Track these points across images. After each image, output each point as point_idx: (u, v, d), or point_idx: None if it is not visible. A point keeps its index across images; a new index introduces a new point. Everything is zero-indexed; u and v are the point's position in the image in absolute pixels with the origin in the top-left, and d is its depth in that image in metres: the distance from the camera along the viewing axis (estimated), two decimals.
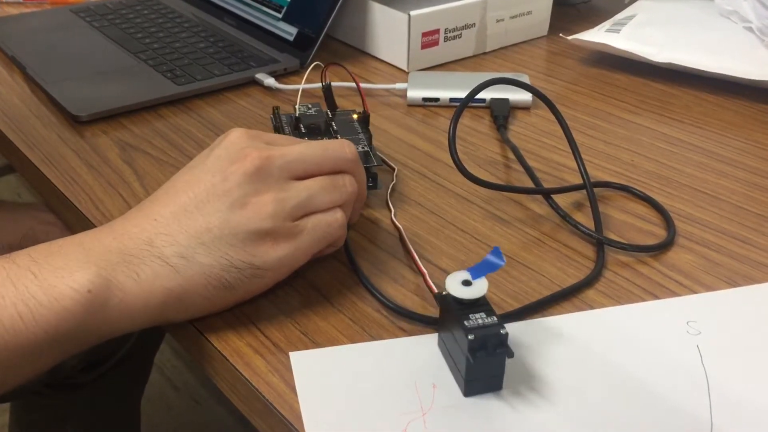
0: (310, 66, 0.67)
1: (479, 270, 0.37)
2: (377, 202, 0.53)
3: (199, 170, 0.41)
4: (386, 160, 0.57)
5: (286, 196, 0.40)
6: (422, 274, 0.45)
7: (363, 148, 0.53)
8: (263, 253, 0.40)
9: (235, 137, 0.42)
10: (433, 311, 0.42)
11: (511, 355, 0.36)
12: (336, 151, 0.44)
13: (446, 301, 0.38)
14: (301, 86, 0.58)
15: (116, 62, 0.73)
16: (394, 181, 0.55)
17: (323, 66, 0.56)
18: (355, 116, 0.56)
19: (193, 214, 0.39)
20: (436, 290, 0.43)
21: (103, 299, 0.36)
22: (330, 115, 0.56)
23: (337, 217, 0.42)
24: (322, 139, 0.53)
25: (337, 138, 0.53)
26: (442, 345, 0.40)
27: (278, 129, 0.56)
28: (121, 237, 0.39)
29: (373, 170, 0.52)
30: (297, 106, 0.56)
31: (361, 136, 0.54)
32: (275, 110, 0.58)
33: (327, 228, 0.42)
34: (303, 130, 0.55)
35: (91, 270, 0.36)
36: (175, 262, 0.38)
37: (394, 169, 0.57)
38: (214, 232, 0.39)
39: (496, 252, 0.37)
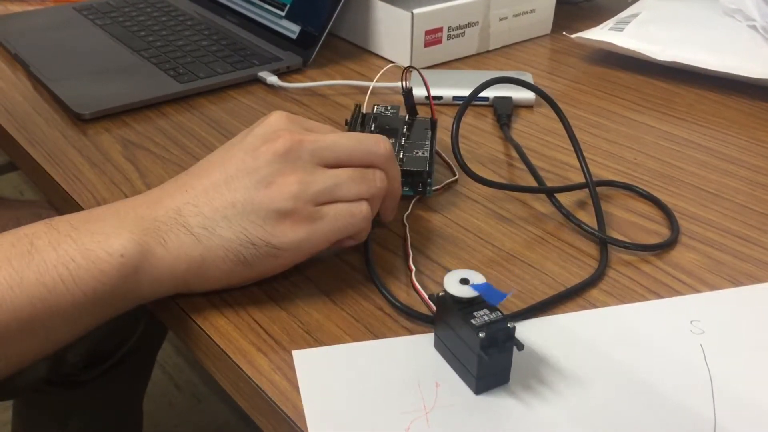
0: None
1: (488, 294, 0.37)
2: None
3: (235, 148, 0.42)
4: (451, 164, 0.56)
5: (311, 180, 0.41)
6: (410, 271, 0.45)
7: (424, 153, 0.52)
8: (281, 233, 0.40)
9: (274, 119, 0.43)
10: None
11: (521, 347, 0.36)
12: (369, 144, 0.44)
13: (445, 301, 0.38)
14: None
15: (119, 60, 0.73)
16: (439, 186, 0.54)
17: (404, 69, 0.54)
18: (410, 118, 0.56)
19: (221, 188, 0.41)
20: (423, 291, 0.43)
21: (135, 264, 0.38)
22: (408, 119, 0.55)
23: (362, 209, 0.42)
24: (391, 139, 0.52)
25: (406, 139, 0.53)
26: (440, 344, 0.39)
27: (352, 125, 0.55)
28: (154, 205, 0.41)
29: (426, 176, 0.51)
30: (375, 106, 0.56)
31: (427, 142, 0.54)
32: (357, 108, 0.56)
33: (350, 218, 0.42)
34: (374, 129, 0.54)
35: (125, 236, 0.38)
36: (197, 232, 0.40)
37: (455, 175, 0.55)
38: (237, 208, 0.40)
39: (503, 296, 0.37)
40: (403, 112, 0.57)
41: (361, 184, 0.43)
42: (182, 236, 0.39)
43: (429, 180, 0.52)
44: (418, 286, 0.44)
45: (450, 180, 0.55)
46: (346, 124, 0.56)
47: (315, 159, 0.42)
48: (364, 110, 0.56)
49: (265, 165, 0.41)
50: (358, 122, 0.55)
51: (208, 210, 0.40)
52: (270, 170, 0.40)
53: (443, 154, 0.58)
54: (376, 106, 0.56)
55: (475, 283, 0.38)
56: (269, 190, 0.40)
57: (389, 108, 0.57)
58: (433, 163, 0.52)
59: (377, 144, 0.44)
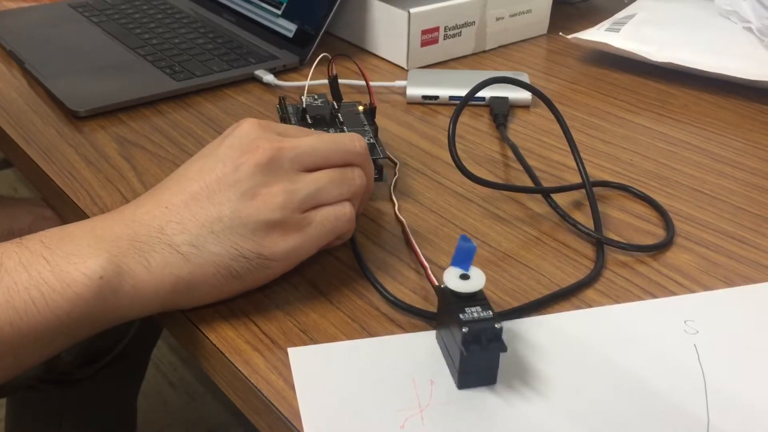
0: (314, 61, 0.67)
1: (459, 260, 0.38)
2: (378, 196, 0.53)
3: (210, 159, 0.41)
4: (389, 154, 0.57)
5: (295, 188, 0.41)
6: (424, 268, 0.45)
7: (369, 140, 0.53)
8: (272, 244, 0.40)
9: (248, 127, 0.42)
10: (432, 308, 0.42)
11: (504, 349, 0.36)
12: (346, 144, 0.44)
13: (444, 295, 0.38)
14: (306, 83, 0.57)
15: (115, 57, 0.73)
16: (397, 176, 0.55)
17: (330, 58, 0.56)
18: (360, 108, 0.57)
19: (204, 203, 0.40)
20: (437, 283, 0.43)
21: (115, 286, 0.37)
22: (336, 107, 0.56)
23: (346, 210, 0.43)
24: (328, 130, 0.53)
25: (343, 129, 0.53)
26: (440, 339, 0.40)
27: (285, 119, 0.56)
28: (132, 224, 0.39)
29: (379, 162, 0.52)
30: (303, 97, 0.56)
31: (367, 128, 0.54)
32: (282, 100, 0.58)
33: (335, 221, 0.42)
34: (309, 121, 0.54)
35: (103, 257, 0.37)
36: (185, 251, 0.39)
37: (396, 164, 0.57)
38: (224, 222, 0.39)
39: (463, 238, 0.38)
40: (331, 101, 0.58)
41: (341, 185, 0.43)
42: (167, 256, 0.38)
43: (381, 166, 0.53)
44: (432, 278, 0.43)
45: (397, 166, 0.56)
46: (281, 120, 0.56)
47: (295, 166, 0.41)
48: (303, 104, 0.56)
49: (248, 177, 0.40)
50: (290, 114, 0.56)
51: (194, 226, 0.39)
52: (253, 182, 0.40)
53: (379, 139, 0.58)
54: (303, 98, 0.56)
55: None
56: (255, 201, 0.40)
57: (316, 98, 0.57)
58: (383, 148, 0.53)
59: (353, 143, 0.44)
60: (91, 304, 0.36)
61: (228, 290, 0.41)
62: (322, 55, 0.57)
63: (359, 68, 0.58)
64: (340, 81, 0.69)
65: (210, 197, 0.40)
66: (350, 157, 0.44)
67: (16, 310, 0.35)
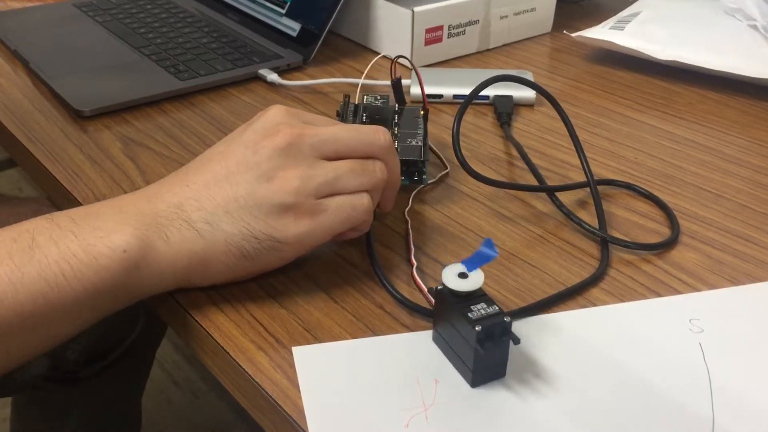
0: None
1: (473, 262, 0.38)
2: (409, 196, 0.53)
3: (234, 143, 0.42)
4: (442, 157, 0.57)
5: (312, 174, 0.41)
6: (411, 266, 0.45)
7: (417, 142, 0.53)
8: (284, 227, 0.40)
9: (274, 113, 0.43)
10: None
11: (517, 341, 0.36)
12: (369, 136, 0.44)
13: (443, 295, 0.38)
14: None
15: (119, 57, 0.73)
16: (434, 180, 0.55)
17: (392, 59, 0.56)
18: (422, 112, 0.56)
19: (223, 183, 0.41)
20: (423, 286, 0.43)
21: (137, 259, 0.38)
22: (397, 109, 0.56)
23: (363, 201, 0.43)
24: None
25: (394, 129, 0.54)
26: (439, 339, 0.40)
27: (343, 116, 0.56)
28: (155, 200, 0.41)
29: (422, 164, 0.52)
30: (364, 96, 0.56)
31: (419, 130, 0.54)
32: (346, 98, 0.57)
33: (351, 210, 0.42)
34: (365, 120, 0.54)
35: (127, 231, 0.38)
36: (200, 227, 0.40)
37: (447, 168, 0.56)
38: (239, 202, 0.40)
39: (488, 243, 0.38)
40: (392, 103, 0.58)
41: (361, 175, 0.43)
42: (184, 231, 0.39)
43: (424, 168, 0.52)
44: (419, 280, 0.44)
45: (443, 173, 0.55)
46: (337, 114, 0.56)
47: (315, 152, 0.42)
48: (355, 101, 0.56)
49: (266, 159, 0.41)
50: (349, 112, 0.55)
51: (210, 205, 0.40)
52: (271, 165, 0.41)
53: (434, 146, 0.58)
54: (365, 96, 0.56)
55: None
56: (271, 184, 0.40)
57: (378, 98, 0.58)
58: (427, 151, 0.52)
59: (376, 135, 0.44)
60: (116, 277, 0.38)
61: (240, 270, 0.42)
62: (381, 55, 0.57)
63: (415, 72, 0.56)
64: (341, 80, 0.69)
65: (229, 178, 0.41)
66: (373, 149, 0.44)
67: (48, 282, 0.36)
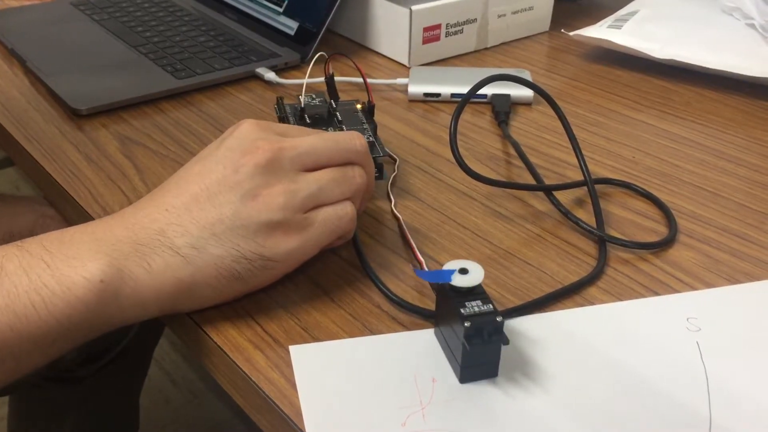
0: (312, 60, 0.67)
1: (428, 275, 0.40)
2: (377, 194, 0.53)
3: (210, 161, 0.41)
4: (389, 151, 0.57)
5: (296, 188, 0.41)
6: (419, 263, 0.44)
7: (368, 138, 0.53)
8: (273, 245, 0.40)
9: (247, 128, 0.42)
10: (434, 306, 0.42)
11: (506, 342, 0.36)
12: (347, 143, 0.44)
13: (443, 290, 0.38)
14: (304, 81, 0.57)
15: (116, 55, 0.73)
16: (396, 173, 0.55)
17: (327, 57, 0.56)
18: (358, 106, 0.56)
19: (205, 205, 0.39)
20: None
21: (115, 289, 0.37)
22: (333, 106, 0.56)
23: (348, 210, 0.43)
24: (327, 129, 0.53)
25: (342, 128, 0.53)
26: (439, 335, 0.40)
27: (283, 119, 0.56)
28: (132, 227, 0.39)
29: (379, 161, 0.52)
30: (301, 97, 0.56)
31: (365, 126, 0.54)
32: (279, 100, 0.58)
33: (337, 221, 0.42)
34: (308, 120, 0.54)
35: (104, 260, 0.37)
36: (186, 253, 0.38)
37: (395, 161, 0.56)
38: (225, 224, 0.39)
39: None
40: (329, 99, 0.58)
41: (343, 184, 0.43)
42: (168, 258, 0.38)
43: (381, 164, 0.52)
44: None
45: (397, 164, 0.56)
46: (280, 120, 0.56)
47: (296, 166, 0.41)
48: (302, 104, 0.56)
49: (248, 178, 0.40)
50: (289, 115, 0.56)
51: (195, 228, 0.39)
52: (254, 183, 0.40)
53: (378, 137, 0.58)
54: (302, 98, 0.56)
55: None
56: (256, 202, 0.39)
57: (314, 97, 0.57)
58: (382, 145, 0.53)
59: (353, 141, 0.44)
60: (91, 308, 0.36)
61: (230, 292, 0.41)
62: (319, 54, 0.57)
63: (356, 66, 0.57)
64: (341, 79, 0.69)
65: (210, 199, 0.39)
66: (351, 155, 0.44)
67: (16, 314, 0.35)
